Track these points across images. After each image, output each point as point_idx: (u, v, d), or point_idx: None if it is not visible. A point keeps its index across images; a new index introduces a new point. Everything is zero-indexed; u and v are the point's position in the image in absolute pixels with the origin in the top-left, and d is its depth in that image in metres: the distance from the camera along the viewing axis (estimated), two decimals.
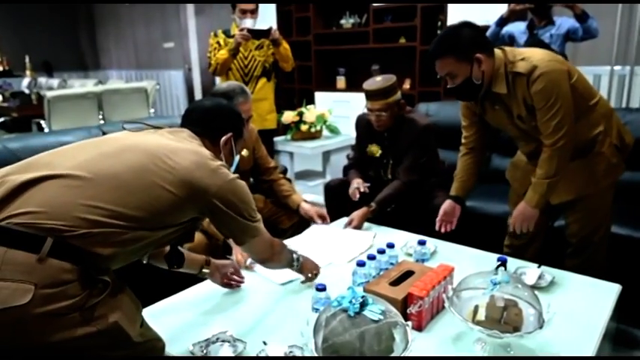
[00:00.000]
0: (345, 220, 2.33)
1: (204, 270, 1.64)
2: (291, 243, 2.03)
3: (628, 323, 2.12)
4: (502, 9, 3.79)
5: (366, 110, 2.45)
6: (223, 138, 1.42)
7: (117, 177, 1.13)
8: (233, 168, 1.48)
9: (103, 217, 1.09)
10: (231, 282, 1.69)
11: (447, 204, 2.14)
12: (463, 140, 2.15)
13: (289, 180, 2.81)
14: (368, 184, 2.46)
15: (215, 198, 1.23)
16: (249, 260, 1.86)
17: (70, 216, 1.06)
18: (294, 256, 1.62)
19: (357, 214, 2.28)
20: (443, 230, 2.14)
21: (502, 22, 3.36)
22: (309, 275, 1.70)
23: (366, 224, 2.32)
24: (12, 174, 1.13)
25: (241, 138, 1.53)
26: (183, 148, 1.25)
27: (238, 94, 2.17)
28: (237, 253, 1.92)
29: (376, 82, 2.37)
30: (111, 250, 1.11)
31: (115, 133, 1.33)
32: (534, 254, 2.12)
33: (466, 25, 1.80)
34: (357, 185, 2.44)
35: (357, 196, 2.42)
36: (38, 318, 0.98)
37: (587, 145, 1.87)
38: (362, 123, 2.60)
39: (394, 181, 2.43)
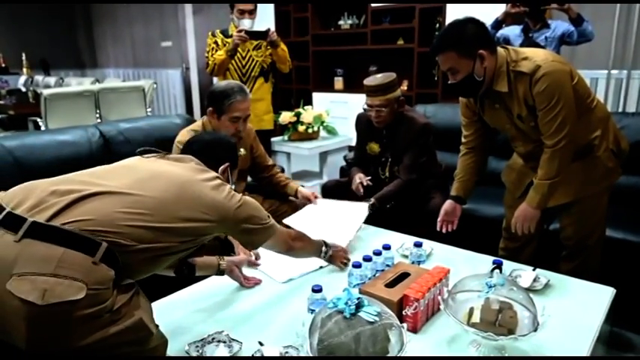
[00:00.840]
0: None
1: (221, 265, 1.71)
2: (289, 221, 2.13)
3: (622, 326, 2.13)
4: (499, 11, 3.82)
5: (365, 107, 2.47)
6: (221, 168, 1.55)
7: (159, 199, 1.23)
8: None
9: (149, 232, 1.19)
10: (249, 280, 1.77)
11: (447, 204, 2.14)
12: (463, 140, 2.15)
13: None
14: (369, 177, 2.49)
15: (236, 219, 1.37)
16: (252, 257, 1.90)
17: (122, 227, 1.15)
18: (323, 248, 1.77)
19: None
20: (444, 230, 2.15)
21: (497, 24, 3.38)
22: (341, 264, 1.84)
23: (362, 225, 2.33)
24: (57, 185, 1.21)
25: (236, 168, 1.68)
26: (201, 178, 1.35)
27: (236, 93, 2.18)
28: (240, 252, 1.93)
29: (376, 78, 2.41)
30: (145, 264, 1.23)
31: (132, 159, 1.42)
32: (529, 257, 2.13)
33: (470, 21, 1.79)
34: (360, 180, 2.47)
35: (362, 190, 2.45)
36: (81, 319, 1.04)
37: (584, 148, 1.87)
38: (362, 121, 2.63)
39: (395, 180, 2.46)
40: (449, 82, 1.87)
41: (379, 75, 2.43)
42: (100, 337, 1.06)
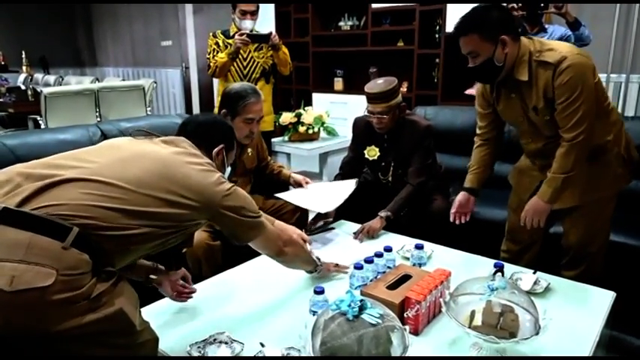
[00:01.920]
0: (349, 224, 2.36)
1: (152, 277, 1.56)
2: (281, 195, 2.26)
3: (622, 330, 2.13)
4: None
5: (366, 113, 2.44)
6: (215, 149, 1.50)
7: (140, 180, 1.20)
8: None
9: (125, 216, 1.16)
10: (181, 294, 1.59)
11: (461, 196, 2.12)
12: (478, 131, 2.14)
13: (283, 185, 2.85)
14: (330, 220, 2.39)
15: (221, 205, 1.32)
16: None
17: (96, 212, 1.12)
18: (319, 262, 1.73)
19: (371, 226, 2.23)
20: (457, 222, 2.13)
21: None
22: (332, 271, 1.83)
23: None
24: (34, 168, 1.19)
25: (232, 150, 1.62)
26: (191, 160, 1.32)
27: (250, 94, 2.23)
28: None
29: (378, 84, 2.36)
30: (122, 249, 1.19)
31: (121, 138, 1.40)
32: (531, 260, 2.13)
33: (496, 7, 1.79)
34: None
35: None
36: (54, 304, 1.02)
37: (596, 150, 1.86)
38: (360, 125, 2.60)
39: (405, 187, 2.40)
40: (468, 65, 1.86)
41: (380, 80, 2.39)
42: (77, 323, 1.04)
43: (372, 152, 2.54)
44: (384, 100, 2.33)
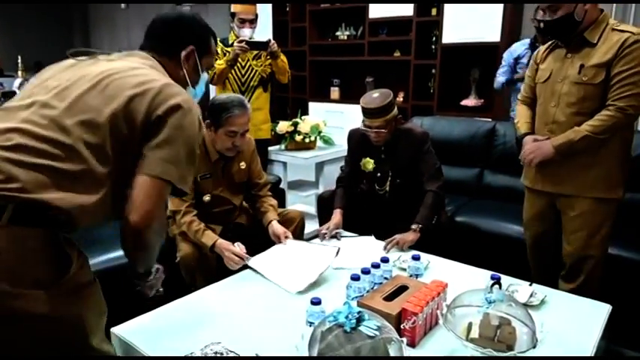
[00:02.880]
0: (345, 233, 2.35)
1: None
2: (253, 262, 1.98)
3: (618, 343, 2.14)
4: (497, 28, 3.86)
5: (362, 127, 2.39)
6: (183, 53, 1.32)
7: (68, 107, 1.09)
8: (200, 89, 1.45)
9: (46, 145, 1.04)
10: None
11: (530, 139, 2.05)
12: (522, 97, 2.19)
13: (280, 194, 2.79)
14: (340, 230, 2.36)
15: (158, 114, 1.14)
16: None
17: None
18: (156, 266, 1.43)
19: (404, 238, 2.18)
20: (532, 165, 2.04)
21: (532, 45, 3.38)
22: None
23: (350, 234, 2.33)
24: None
25: (208, 54, 1.40)
26: (139, 72, 1.21)
27: (235, 107, 2.12)
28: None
29: (374, 99, 2.31)
30: (62, 194, 1.03)
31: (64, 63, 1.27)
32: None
33: None
34: (327, 230, 2.32)
35: (326, 237, 2.30)
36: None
37: (620, 141, 1.90)
38: (355, 137, 2.56)
39: (426, 195, 2.33)
40: (544, 18, 1.87)
41: (376, 94, 2.33)
42: (29, 309, 0.97)
43: (368, 164, 2.50)
44: (381, 115, 2.29)
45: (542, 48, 2.09)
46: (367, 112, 2.32)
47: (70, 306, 1.05)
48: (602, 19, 1.86)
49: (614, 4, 3.71)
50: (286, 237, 2.19)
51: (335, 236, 2.31)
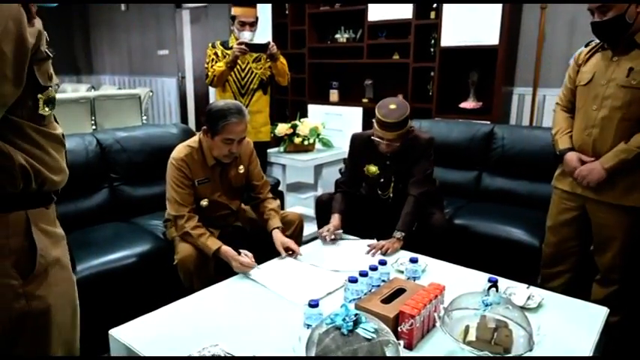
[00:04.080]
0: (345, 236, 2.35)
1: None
2: (256, 275, 1.93)
3: (615, 345, 2.14)
4: (495, 31, 3.87)
5: (374, 135, 2.34)
6: None
7: None
8: None
9: None
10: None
11: (574, 155, 2.01)
12: (560, 102, 2.15)
13: (279, 196, 2.79)
14: (340, 231, 2.36)
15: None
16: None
17: None
18: None
19: (390, 246, 2.17)
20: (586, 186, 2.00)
21: None
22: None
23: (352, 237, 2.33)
24: None
25: None
26: None
27: (233, 114, 2.10)
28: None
29: (392, 112, 2.24)
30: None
31: None
32: (565, 283, 2.17)
33: None
34: (327, 232, 2.30)
35: (327, 239, 2.29)
36: None
37: None
38: (358, 142, 2.52)
39: (407, 200, 2.33)
40: (594, 20, 1.85)
41: (393, 106, 2.26)
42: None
43: (371, 169, 2.48)
44: (397, 129, 2.25)
45: (584, 50, 2.05)
46: (383, 125, 2.27)
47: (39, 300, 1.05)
48: None
49: None
50: (290, 253, 2.13)
51: (335, 238, 2.31)
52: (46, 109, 1.05)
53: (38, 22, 1.01)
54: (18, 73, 0.94)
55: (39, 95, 1.02)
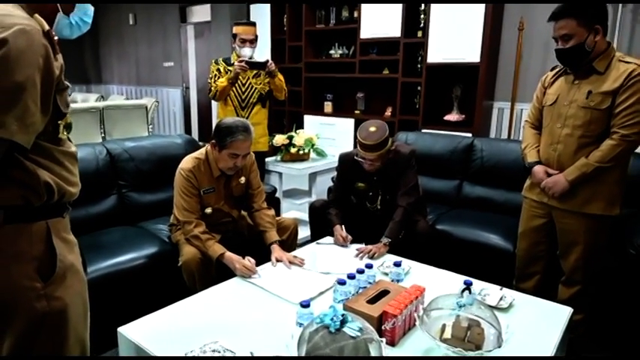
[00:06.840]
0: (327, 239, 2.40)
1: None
2: (257, 281, 1.95)
3: (578, 342, 2.19)
4: (477, 49, 3.94)
5: (357, 156, 2.40)
6: None
7: None
8: (82, 19, 1.38)
9: None
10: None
11: (541, 169, 2.08)
12: (529, 119, 2.21)
13: (275, 203, 2.82)
14: (350, 238, 2.39)
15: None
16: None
17: None
18: None
19: (376, 251, 2.22)
20: (551, 196, 2.07)
21: None
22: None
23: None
24: None
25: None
26: None
27: (240, 132, 2.16)
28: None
29: (371, 134, 2.31)
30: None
31: None
32: (537, 285, 2.23)
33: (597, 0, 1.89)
34: (342, 235, 2.37)
35: (348, 243, 2.35)
36: None
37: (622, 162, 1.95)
38: (346, 162, 2.57)
39: (397, 210, 2.39)
40: (558, 47, 1.93)
41: (372, 128, 2.33)
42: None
43: (360, 185, 2.53)
44: (377, 150, 2.32)
45: (550, 73, 2.15)
46: (364, 147, 2.33)
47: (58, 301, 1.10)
48: (610, 51, 1.90)
49: (615, 38, 3.60)
50: (289, 262, 2.14)
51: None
52: (65, 132, 1.11)
53: (60, 57, 1.08)
54: (46, 103, 1.01)
55: (59, 121, 1.09)
